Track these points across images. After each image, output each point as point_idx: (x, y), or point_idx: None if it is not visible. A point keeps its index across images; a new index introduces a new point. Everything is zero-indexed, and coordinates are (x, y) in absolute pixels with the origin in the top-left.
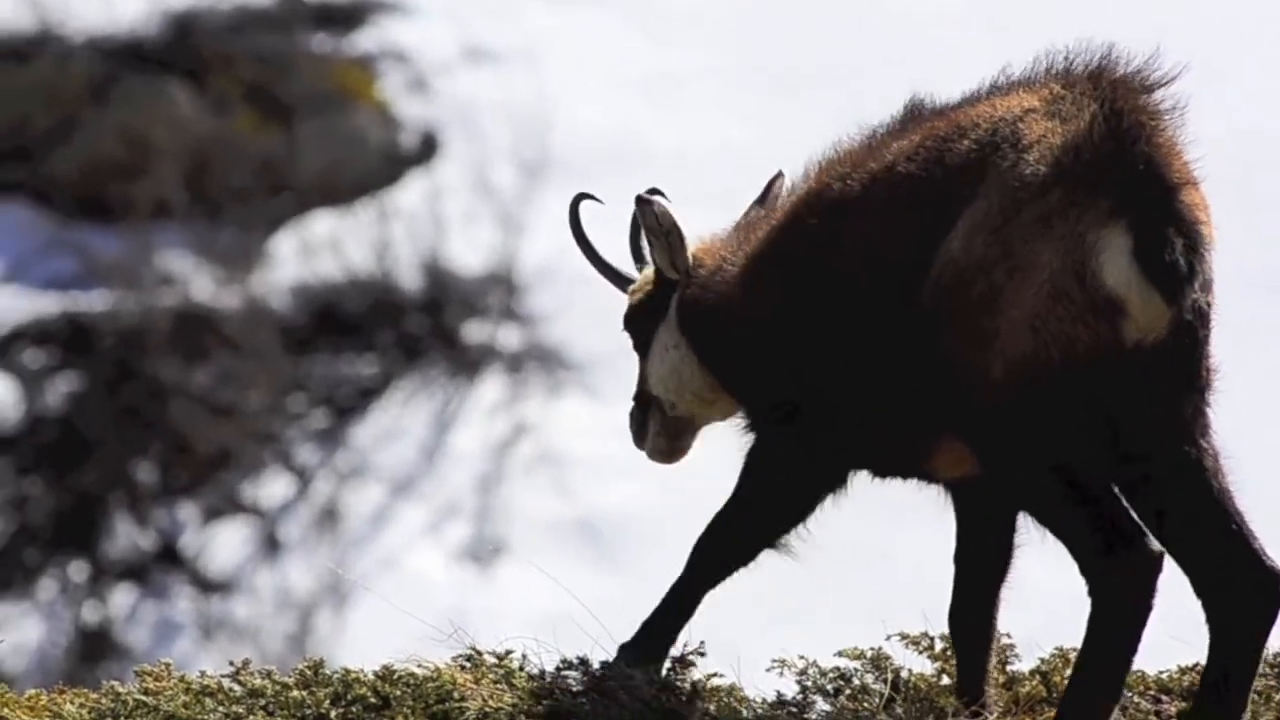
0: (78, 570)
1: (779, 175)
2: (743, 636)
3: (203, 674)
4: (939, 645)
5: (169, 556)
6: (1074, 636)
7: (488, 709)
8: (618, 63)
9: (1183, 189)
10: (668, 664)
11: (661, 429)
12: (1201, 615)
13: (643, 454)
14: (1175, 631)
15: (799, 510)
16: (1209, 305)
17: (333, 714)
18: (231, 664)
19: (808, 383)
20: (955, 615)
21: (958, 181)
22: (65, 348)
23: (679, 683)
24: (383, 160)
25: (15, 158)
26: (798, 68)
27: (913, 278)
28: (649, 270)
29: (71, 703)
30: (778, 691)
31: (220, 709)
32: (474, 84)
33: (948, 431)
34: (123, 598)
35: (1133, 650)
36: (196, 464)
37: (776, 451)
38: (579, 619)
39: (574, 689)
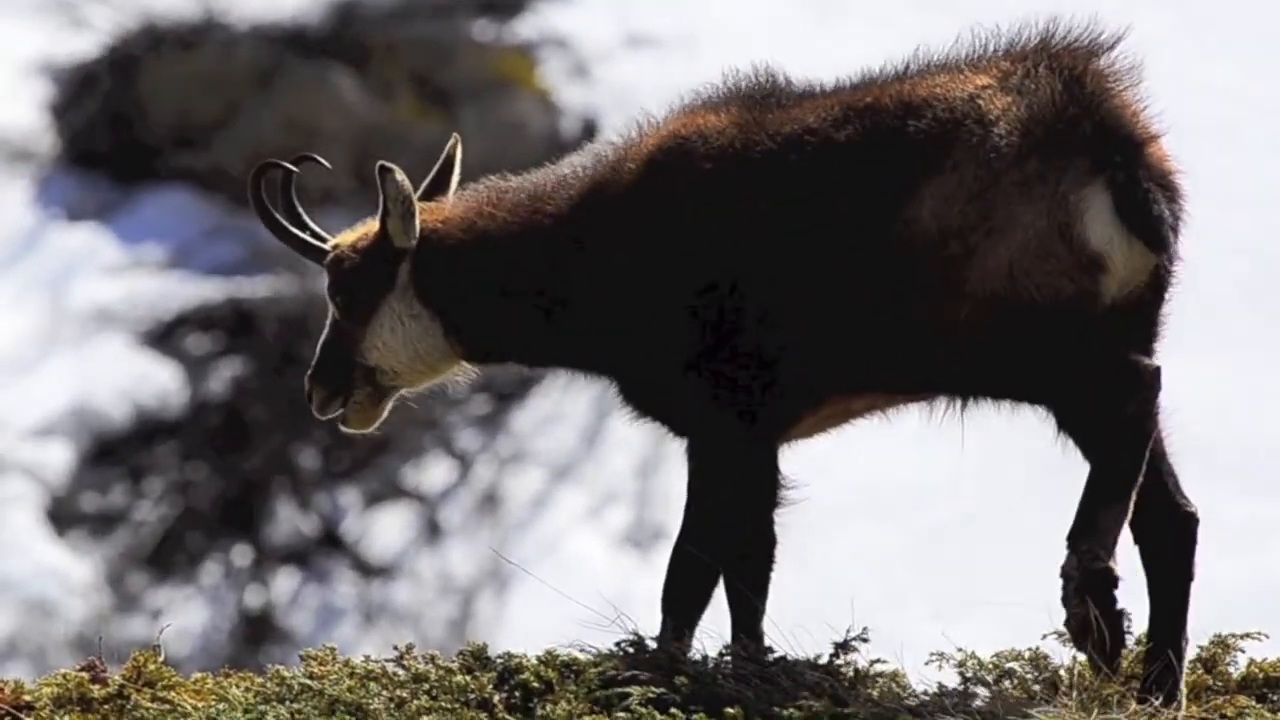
0: (241, 555)
1: (455, 140)
2: (906, 626)
3: (367, 658)
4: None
5: (331, 541)
6: (1236, 626)
7: (650, 694)
8: (779, 48)
9: (1151, 142)
10: (830, 650)
11: (367, 399)
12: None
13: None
14: None
15: (770, 469)
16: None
17: (496, 699)
18: (395, 648)
19: (725, 323)
20: (681, 574)
21: (915, 156)
22: (229, 333)
23: (842, 668)
24: (543, 147)
25: (180, 145)
26: None
27: (854, 236)
28: (352, 237)
29: (237, 686)
30: (939, 683)
31: (384, 693)
32: (635, 70)
33: (848, 390)
34: (285, 582)
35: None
36: (358, 449)
37: (714, 429)
38: None
39: (737, 673)
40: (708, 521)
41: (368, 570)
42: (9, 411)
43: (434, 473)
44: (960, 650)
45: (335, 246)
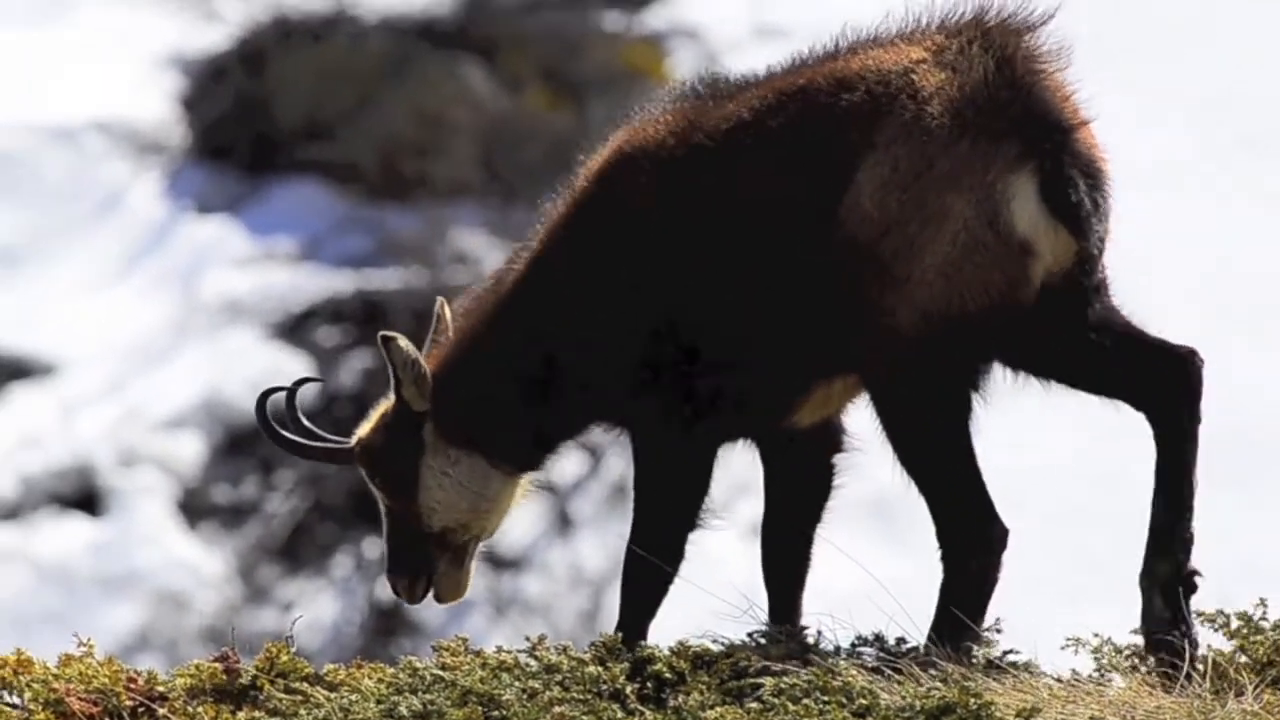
0: (372, 547)
1: (440, 303)
2: (1040, 616)
3: (499, 649)
4: (1235, 624)
5: None
6: None
7: (782, 685)
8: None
9: (1079, 129)
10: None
11: (450, 565)
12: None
13: (439, 606)
14: None
15: (700, 486)
16: (1108, 233)
17: (628, 689)
18: (527, 639)
19: (683, 341)
20: (770, 552)
21: (850, 133)
22: (359, 325)
23: (975, 659)
24: None
25: (310, 137)
26: None
27: (798, 225)
28: (368, 426)
29: (369, 677)
30: (1073, 670)
31: (516, 684)
32: (764, 61)
33: (826, 376)
34: None
35: (981, 616)
36: None
37: (659, 440)
38: (873, 596)
39: (869, 665)
40: (637, 521)
41: (499, 562)
42: (141, 403)
43: (565, 464)
44: (1096, 636)
45: (357, 440)
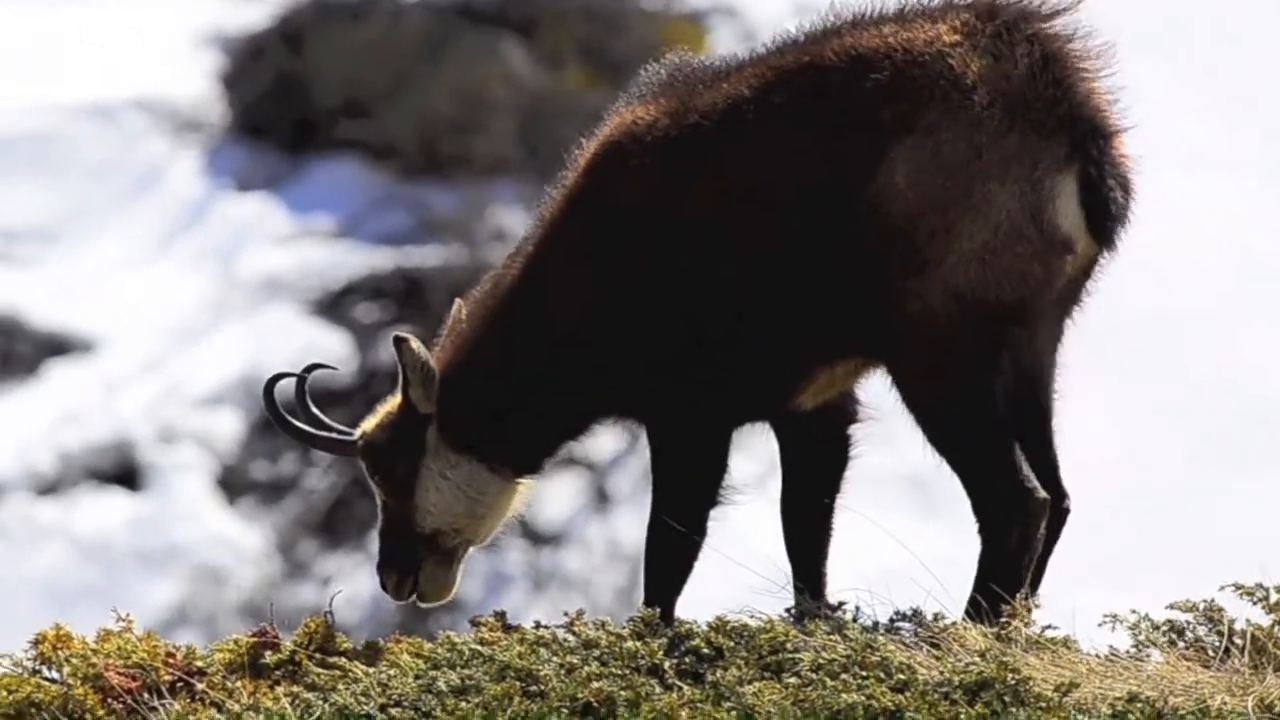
0: None
1: (457, 305)
2: (1077, 591)
3: (537, 624)
4: (1274, 597)
5: None
6: None
7: (820, 660)
8: None
9: (1118, 137)
10: (1003, 617)
11: (436, 567)
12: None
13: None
14: None
15: (717, 468)
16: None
17: (666, 665)
18: (566, 615)
19: (702, 321)
20: (791, 524)
21: (881, 112)
22: (398, 302)
23: (1013, 635)
24: None
25: (349, 115)
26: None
27: (811, 202)
28: (373, 421)
29: (408, 652)
30: (1110, 646)
31: (555, 659)
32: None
33: (831, 359)
34: None
35: (1019, 588)
36: None
37: (673, 425)
38: (911, 572)
39: (906, 641)
40: (656, 500)
41: (537, 538)
42: (180, 380)
43: (603, 441)
44: (1133, 612)
45: (362, 434)
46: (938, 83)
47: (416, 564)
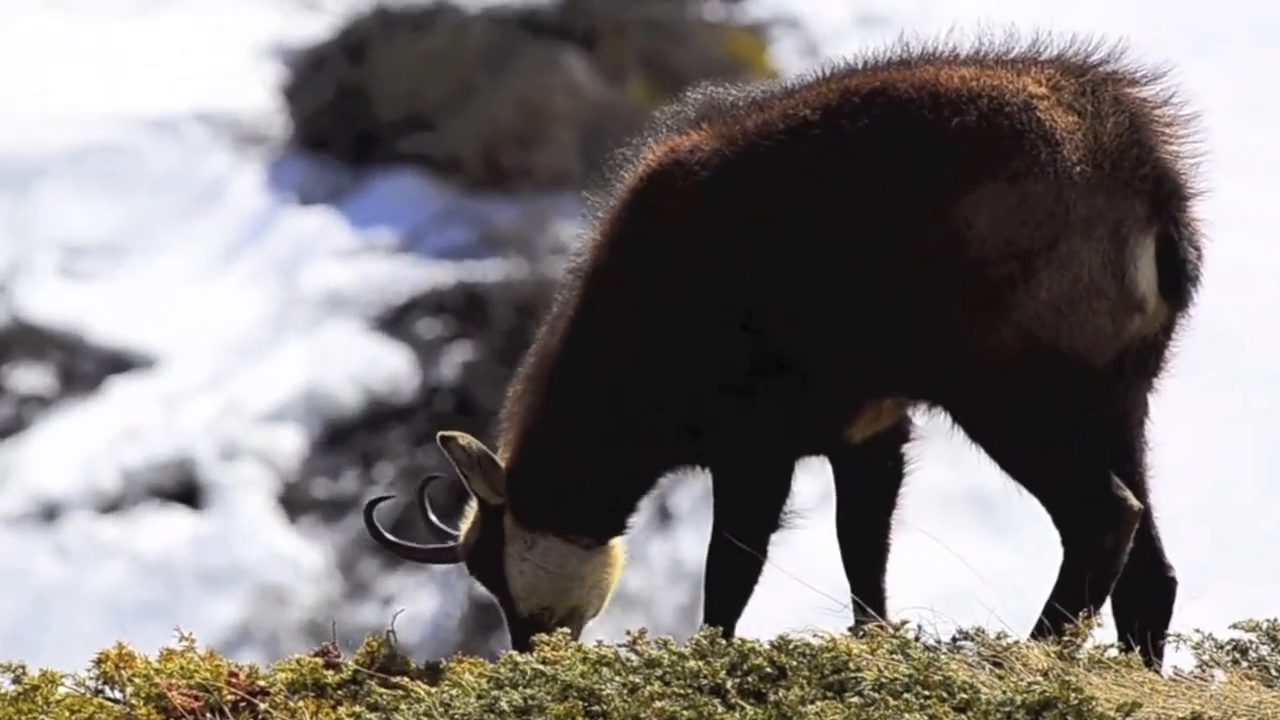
0: None
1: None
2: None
3: (599, 644)
4: None
5: None
6: None
7: (883, 679)
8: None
9: (1194, 200)
10: (1066, 635)
11: None
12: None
13: None
14: None
15: (779, 492)
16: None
17: (729, 684)
18: (628, 634)
19: (758, 345)
20: (848, 544)
21: (963, 156)
22: (459, 317)
23: (1076, 654)
24: None
25: (411, 128)
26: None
27: (878, 234)
28: (470, 517)
29: (470, 672)
30: (1174, 666)
31: (617, 678)
32: (865, 49)
33: (884, 394)
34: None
35: (1105, 597)
36: None
37: (736, 451)
38: (974, 590)
39: (969, 660)
40: (718, 521)
41: None
42: (242, 396)
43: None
44: (1197, 632)
45: (460, 541)
46: (1025, 134)
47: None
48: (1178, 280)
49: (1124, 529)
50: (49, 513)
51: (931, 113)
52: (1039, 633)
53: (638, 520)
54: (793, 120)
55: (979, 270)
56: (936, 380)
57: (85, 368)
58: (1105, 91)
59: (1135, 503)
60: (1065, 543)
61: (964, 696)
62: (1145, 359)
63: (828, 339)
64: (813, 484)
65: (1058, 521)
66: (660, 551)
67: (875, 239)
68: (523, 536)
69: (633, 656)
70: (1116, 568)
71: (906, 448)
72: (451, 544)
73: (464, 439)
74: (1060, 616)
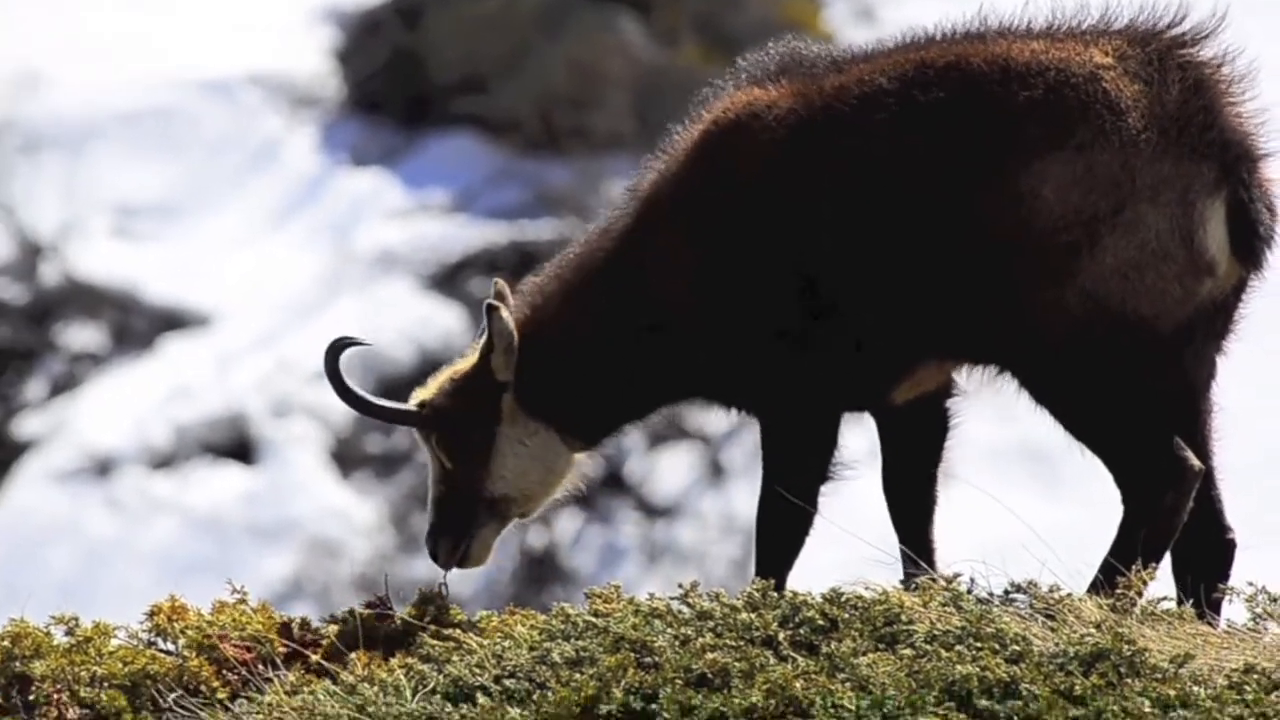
0: None
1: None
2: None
3: (652, 596)
4: None
5: (614, 482)
6: None
7: (935, 631)
8: None
9: (1265, 161)
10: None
11: (490, 533)
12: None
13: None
14: None
15: (828, 445)
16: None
17: (781, 636)
18: (680, 586)
19: (818, 297)
20: (895, 498)
21: (1030, 127)
22: (513, 277)
23: (1128, 607)
24: None
25: (465, 90)
26: None
27: (950, 197)
28: (433, 389)
29: (522, 624)
30: (1228, 619)
31: (669, 630)
32: (920, 13)
33: (942, 356)
34: (568, 523)
35: (1164, 552)
36: None
37: (786, 402)
38: (1026, 544)
39: (1021, 612)
40: (767, 475)
41: (651, 511)
42: (295, 354)
43: (717, 414)
44: (1250, 584)
45: (421, 404)
46: (1092, 105)
47: (471, 530)
48: (1250, 241)
49: (1184, 489)
50: (102, 468)
51: (1001, 86)
52: (1094, 589)
53: (689, 476)
54: (868, 86)
55: (1046, 238)
56: (1002, 345)
57: (138, 326)
58: (1171, 58)
59: (1196, 463)
60: (1125, 501)
61: (1016, 648)
62: (1214, 321)
63: (889, 302)
64: (861, 437)
65: (1119, 480)
66: (712, 506)
67: (944, 208)
68: (525, 422)
69: (685, 609)
70: (1175, 526)
71: (950, 403)
72: (416, 407)
73: (507, 312)
74: (1117, 572)
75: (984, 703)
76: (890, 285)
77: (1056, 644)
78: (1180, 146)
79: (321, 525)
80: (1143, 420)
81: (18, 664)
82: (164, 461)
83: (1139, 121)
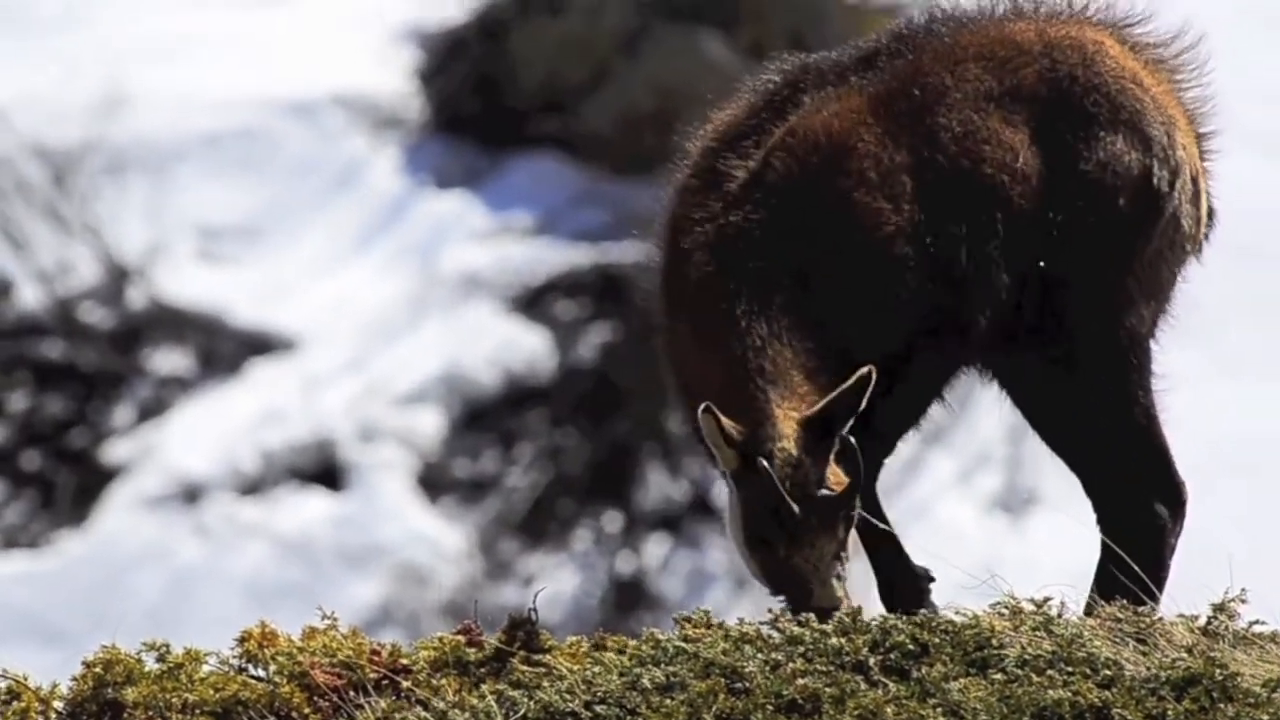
0: (612, 521)
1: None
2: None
3: (741, 621)
4: None
5: (702, 507)
6: None
7: (1026, 656)
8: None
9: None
10: (1209, 611)
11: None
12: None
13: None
14: None
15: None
16: None
17: (871, 661)
18: (770, 611)
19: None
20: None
21: (1065, 107)
22: (597, 299)
23: (1220, 630)
24: None
25: (548, 110)
26: None
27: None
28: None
29: (612, 649)
30: None
31: (759, 656)
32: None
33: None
34: (656, 548)
35: (1166, 570)
36: None
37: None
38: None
39: (1112, 636)
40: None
41: None
42: (381, 378)
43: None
44: None
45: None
46: (1126, 89)
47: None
48: (1209, 224)
49: (1181, 514)
50: (190, 494)
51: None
52: (1098, 601)
53: None
54: (939, 78)
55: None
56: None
57: (225, 350)
58: (1154, 49)
59: (1187, 493)
60: (1115, 514)
61: (1108, 673)
62: None
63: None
64: (953, 461)
65: (1107, 493)
66: None
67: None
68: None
69: (775, 634)
70: (1173, 539)
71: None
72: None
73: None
74: (1122, 579)
75: None
76: (986, 278)
77: (1148, 668)
78: (1199, 149)
79: (409, 551)
80: (1150, 437)
81: (110, 691)
82: (252, 487)
83: (1175, 111)
